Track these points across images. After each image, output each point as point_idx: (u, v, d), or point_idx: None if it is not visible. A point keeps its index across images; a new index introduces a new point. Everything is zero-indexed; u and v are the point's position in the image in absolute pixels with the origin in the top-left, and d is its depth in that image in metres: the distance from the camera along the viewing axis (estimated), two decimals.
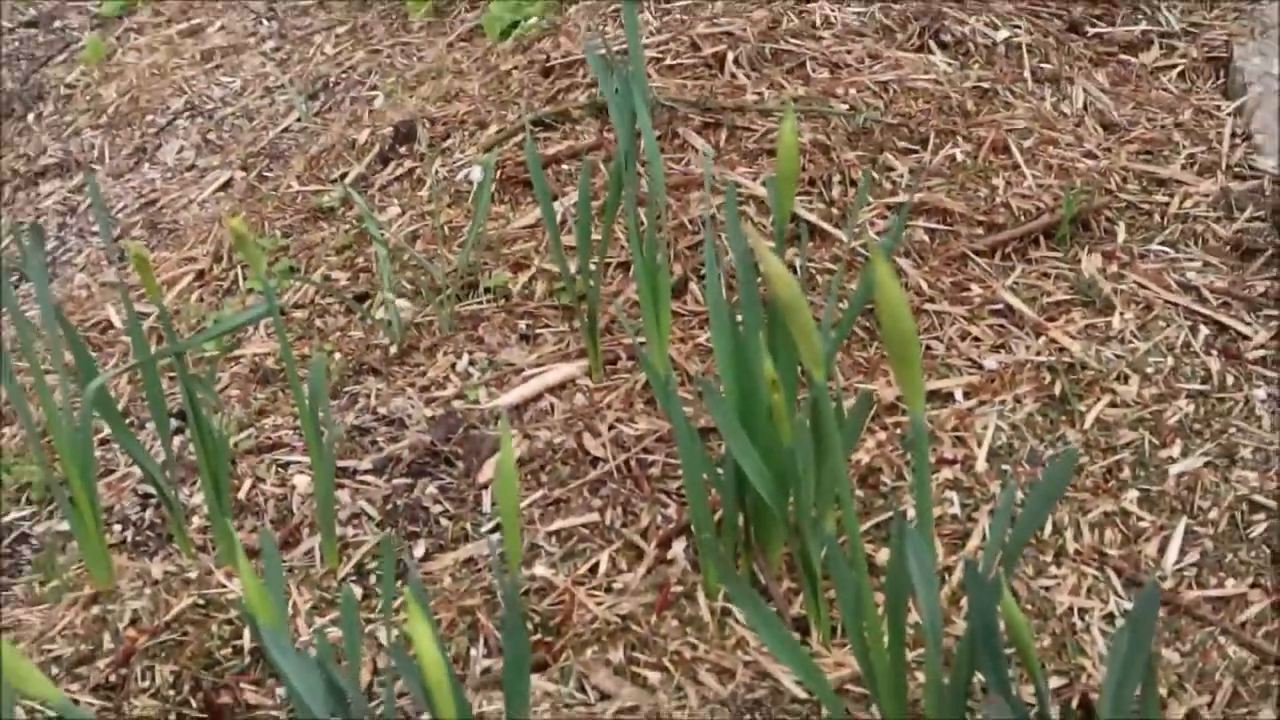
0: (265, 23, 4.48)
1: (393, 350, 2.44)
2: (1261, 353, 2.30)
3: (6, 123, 4.54)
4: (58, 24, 5.08)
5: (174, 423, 2.32)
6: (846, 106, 2.86)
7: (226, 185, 3.51)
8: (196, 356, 2.49)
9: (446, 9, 3.94)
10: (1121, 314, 2.38)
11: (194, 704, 1.80)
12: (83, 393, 1.97)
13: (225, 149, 3.81)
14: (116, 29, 4.84)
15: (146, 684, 1.81)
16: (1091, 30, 3.22)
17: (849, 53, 3.04)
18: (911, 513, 1.96)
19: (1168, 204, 2.65)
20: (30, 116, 4.51)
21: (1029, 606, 1.86)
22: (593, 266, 2.32)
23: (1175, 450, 2.11)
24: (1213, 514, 2.01)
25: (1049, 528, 2.00)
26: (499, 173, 2.84)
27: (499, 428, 2.21)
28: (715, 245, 1.99)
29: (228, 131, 3.92)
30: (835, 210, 2.63)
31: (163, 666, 1.84)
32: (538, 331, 2.45)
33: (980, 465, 2.09)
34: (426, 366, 2.39)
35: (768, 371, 1.75)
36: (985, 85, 2.97)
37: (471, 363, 2.38)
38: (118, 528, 2.16)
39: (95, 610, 1.93)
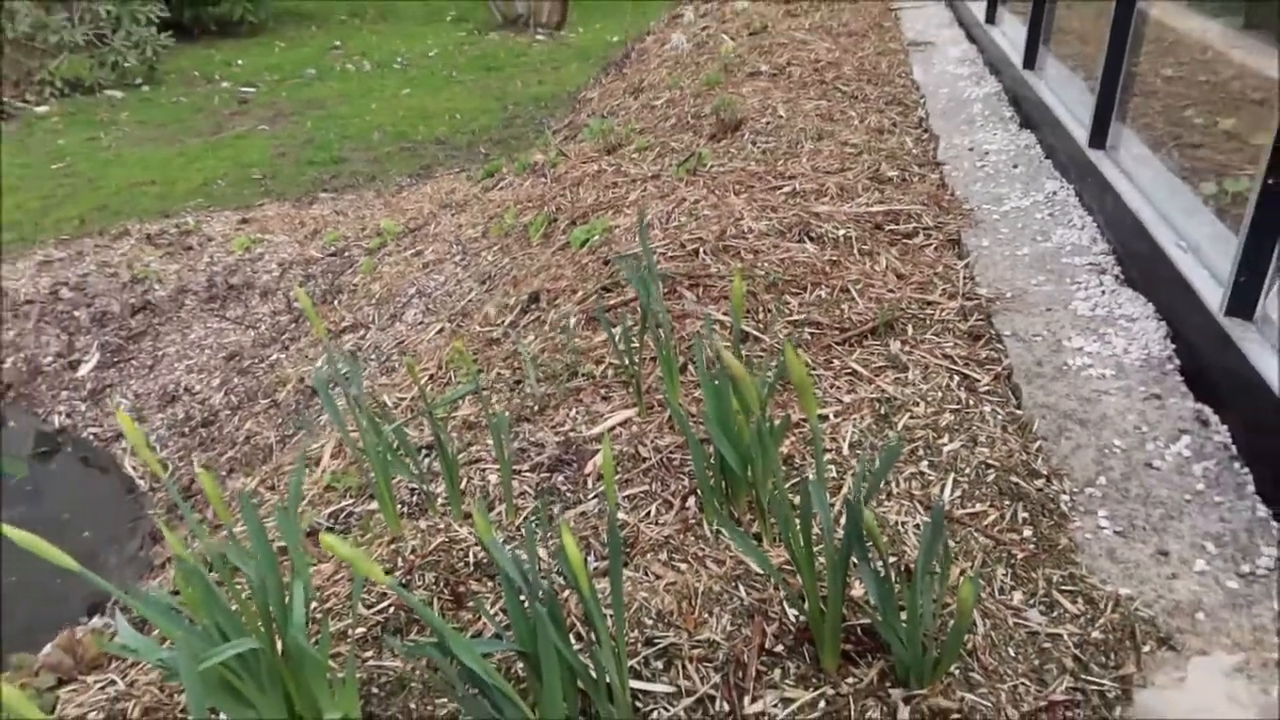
0: (454, 248, 4.60)
1: (535, 409, 2.46)
2: (988, 387, 2.34)
3: (323, 306, 4.66)
4: (347, 253, 5.22)
5: (424, 451, 2.39)
6: (763, 272, 2.91)
7: (440, 331, 3.58)
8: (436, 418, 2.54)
9: (549, 234, 4.02)
10: (913, 372, 2.42)
11: (446, 593, 1.83)
12: (381, 438, 2.03)
13: (438, 312, 3.89)
14: (378, 254, 4.97)
15: (420, 583, 1.85)
16: (888, 228, 3.25)
17: (762, 244, 3.08)
18: (811, 474, 1.99)
19: (933, 314, 2.70)
20: (335, 302, 4.63)
21: (875, 521, 1.89)
22: (636, 360, 2.37)
23: (946, 439, 2.15)
24: (967, 471, 2.04)
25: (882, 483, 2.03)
26: (584, 316, 2.90)
27: (601, 444, 2.26)
28: (702, 346, 2.06)
29: (438, 303, 4.01)
30: (761, 325, 2.67)
31: (429, 573, 1.87)
32: (610, 395, 2.47)
33: (845, 451, 2.12)
34: (554, 416, 2.41)
35: (735, 404, 1.82)
36: (834, 258, 3.00)
37: (577, 413, 2.40)
38: (398, 506, 2.19)
39: (392, 546, 1.97)
